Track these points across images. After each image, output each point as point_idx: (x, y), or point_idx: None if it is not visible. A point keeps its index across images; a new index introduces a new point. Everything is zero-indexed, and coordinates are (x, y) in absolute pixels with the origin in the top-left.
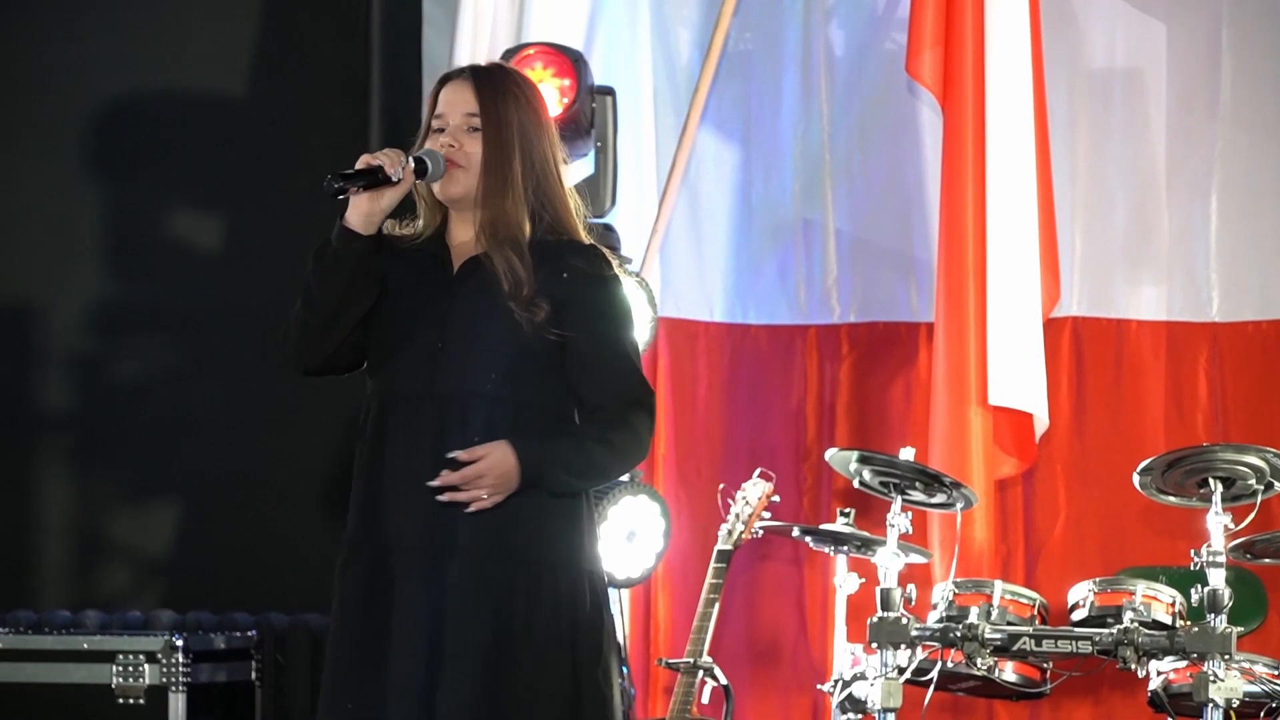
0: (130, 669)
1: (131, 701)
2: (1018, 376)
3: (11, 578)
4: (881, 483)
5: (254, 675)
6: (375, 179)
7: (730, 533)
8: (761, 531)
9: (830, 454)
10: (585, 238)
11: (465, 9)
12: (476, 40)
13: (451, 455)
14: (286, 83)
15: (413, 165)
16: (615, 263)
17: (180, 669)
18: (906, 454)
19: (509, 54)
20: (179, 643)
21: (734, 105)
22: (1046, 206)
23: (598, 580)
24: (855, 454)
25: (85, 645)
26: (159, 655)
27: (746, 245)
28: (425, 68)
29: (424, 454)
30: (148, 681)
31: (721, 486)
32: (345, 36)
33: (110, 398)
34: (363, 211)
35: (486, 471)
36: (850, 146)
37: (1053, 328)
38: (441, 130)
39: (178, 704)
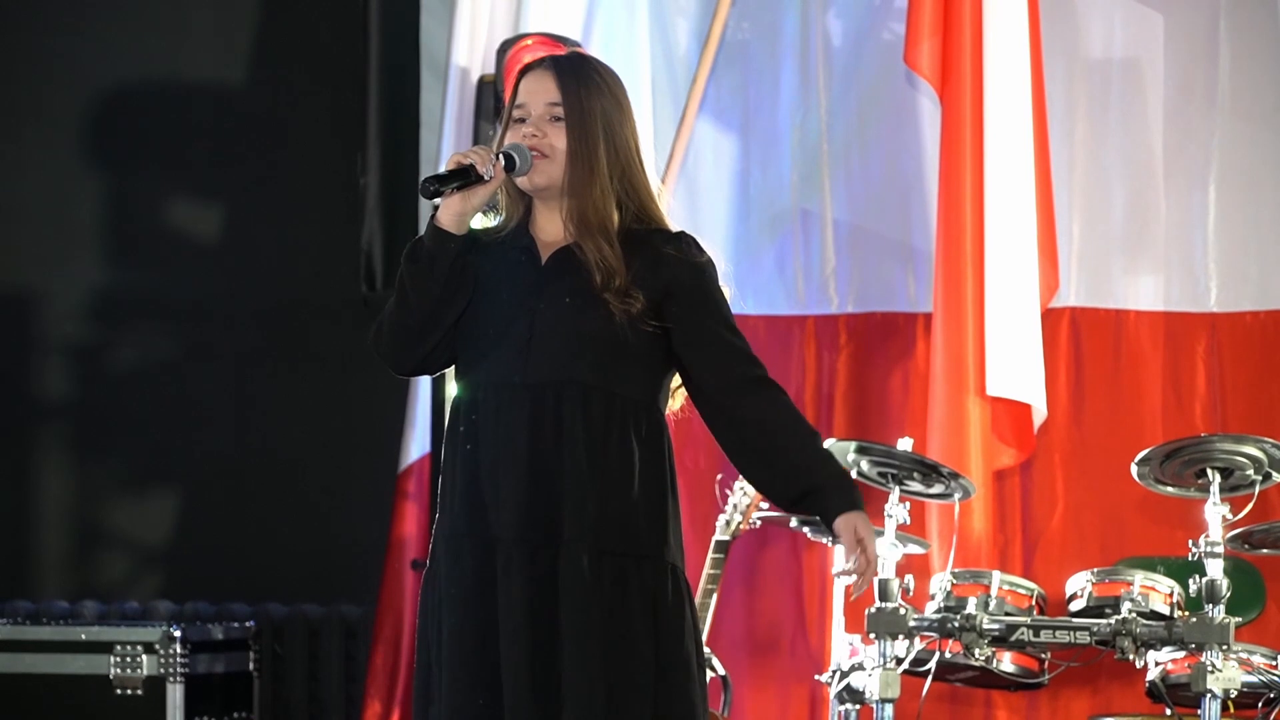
0: (128, 659)
1: (129, 692)
2: (1016, 367)
3: (9, 568)
4: (879, 473)
5: (252, 666)
6: (468, 178)
7: (728, 523)
8: (759, 522)
9: (828, 444)
10: (669, 224)
11: None
12: (475, 30)
13: (846, 573)
14: (285, 72)
15: (502, 162)
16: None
17: (178, 659)
18: (904, 444)
19: (507, 44)
20: (177, 633)
21: (732, 95)
22: (1045, 197)
23: (680, 573)
24: (853, 444)
25: (83, 636)
26: (157, 646)
27: (744, 235)
28: (424, 57)
29: (521, 446)
30: (145, 672)
31: (719, 477)
32: (344, 25)
33: (109, 386)
34: (455, 211)
35: (875, 550)
36: (848, 136)
37: (1051, 318)
38: (523, 120)
39: (175, 694)
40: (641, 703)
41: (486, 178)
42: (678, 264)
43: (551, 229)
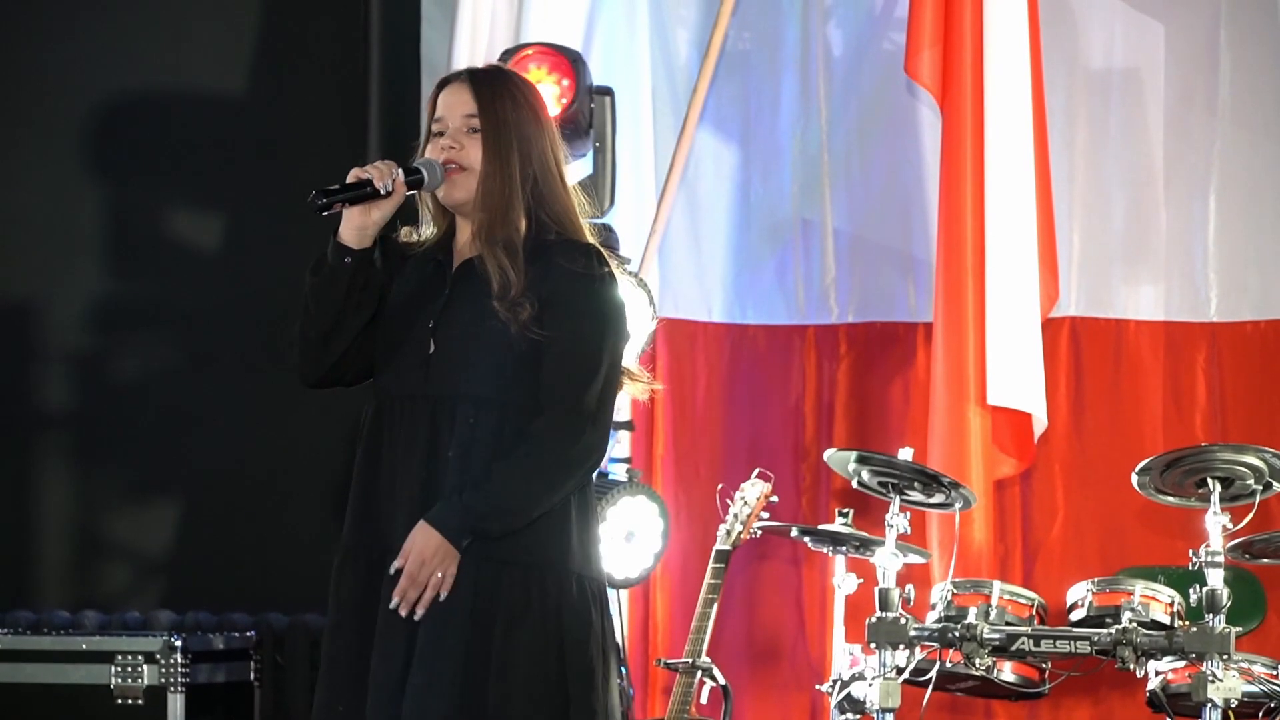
0: (129, 669)
1: (130, 702)
2: (1016, 376)
3: (10, 577)
4: (880, 483)
5: (253, 676)
6: (363, 193)
7: (729, 533)
8: (760, 532)
9: (829, 454)
10: (585, 236)
11: (464, 8)
12: (475, 40)
13: (391, 570)
14: (286, 81)
15: (402, 176)
16: (613, 262)
17: (179, 669)
18: (905, 454)
19: (508, 54)
20: (178, 643)
21: (732, 105)
22: (1045, 206)
23: (589, 583)
24: (854, 454)
25: (84, 646)
26: (158, 656)
27: (745, 245)
28: (424, 67)
29: (417, 457)
30: (146, 682)
31: (720, 486)
32: (344, 35)
33: (109, 396)
34: (355, 225)
35: (416, 565)
36: (849, 146)
37: (1051, 328)
38: (442, 134)
39: (176, 704)
40: (540, 716)
41: (384, 192)
42: (562, 274)
43: (466, 240)
